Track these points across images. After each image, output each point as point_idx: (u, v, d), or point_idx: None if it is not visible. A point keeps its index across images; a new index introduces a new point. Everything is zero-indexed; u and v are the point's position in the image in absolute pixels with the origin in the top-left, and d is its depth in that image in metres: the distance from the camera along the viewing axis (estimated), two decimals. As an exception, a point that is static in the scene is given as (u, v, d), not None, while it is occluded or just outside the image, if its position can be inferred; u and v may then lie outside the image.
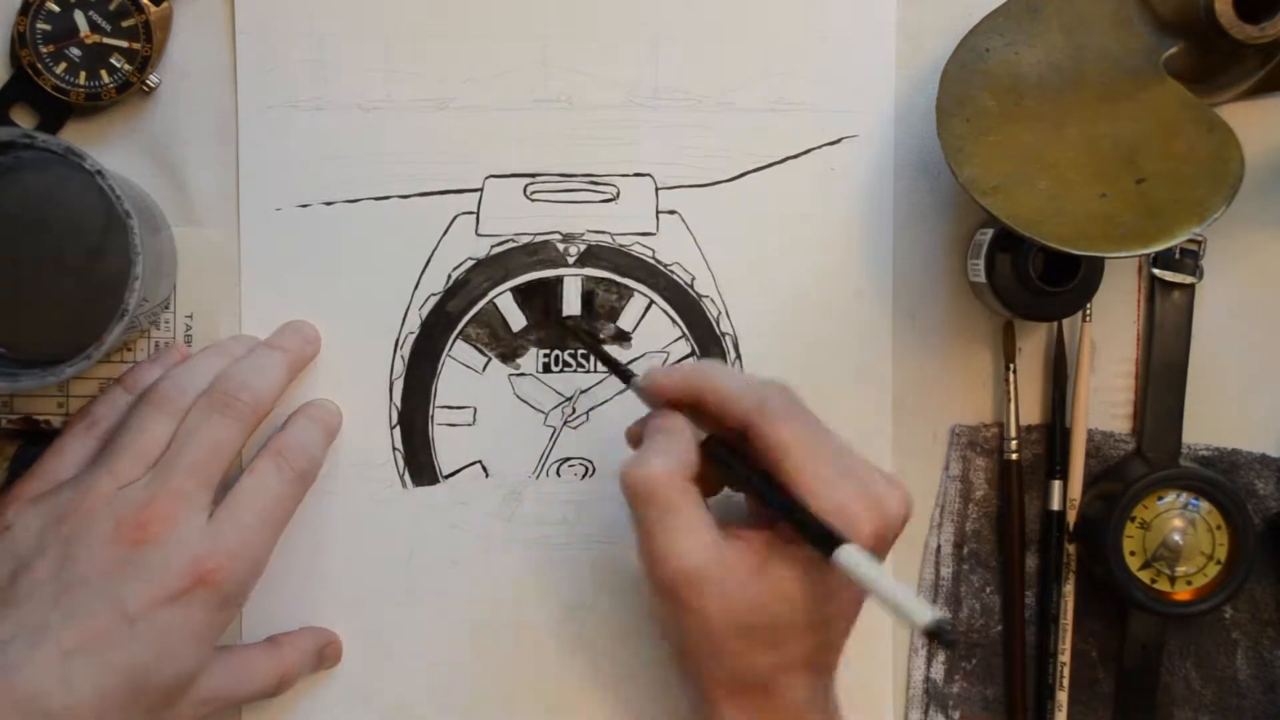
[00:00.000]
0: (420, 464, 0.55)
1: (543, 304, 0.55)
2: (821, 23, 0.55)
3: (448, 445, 0.55)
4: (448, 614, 0.55)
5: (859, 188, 0.56)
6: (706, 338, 0.56)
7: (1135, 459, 0.56)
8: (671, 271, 0.56)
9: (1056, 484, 0.56)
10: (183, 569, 0.45)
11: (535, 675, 0.55)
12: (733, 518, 0.47)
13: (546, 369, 0.55)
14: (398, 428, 0.55)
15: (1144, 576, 0.54)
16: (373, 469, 0.55)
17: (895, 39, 0.56)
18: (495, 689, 0.55)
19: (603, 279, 0.56)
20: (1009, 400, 0.55)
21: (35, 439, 0.54)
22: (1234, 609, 0.57)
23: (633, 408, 0.55)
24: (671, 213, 0.55)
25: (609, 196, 0.55)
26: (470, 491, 0.55)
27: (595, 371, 0.56)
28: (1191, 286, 0.56)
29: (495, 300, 0.55)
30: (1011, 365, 0.55)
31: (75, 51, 0.52)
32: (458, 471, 0.55)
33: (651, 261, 0.56)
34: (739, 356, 0.56)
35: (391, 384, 0.55)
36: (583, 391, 0.55)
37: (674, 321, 0.56)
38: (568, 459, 0.56)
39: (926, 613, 0.39)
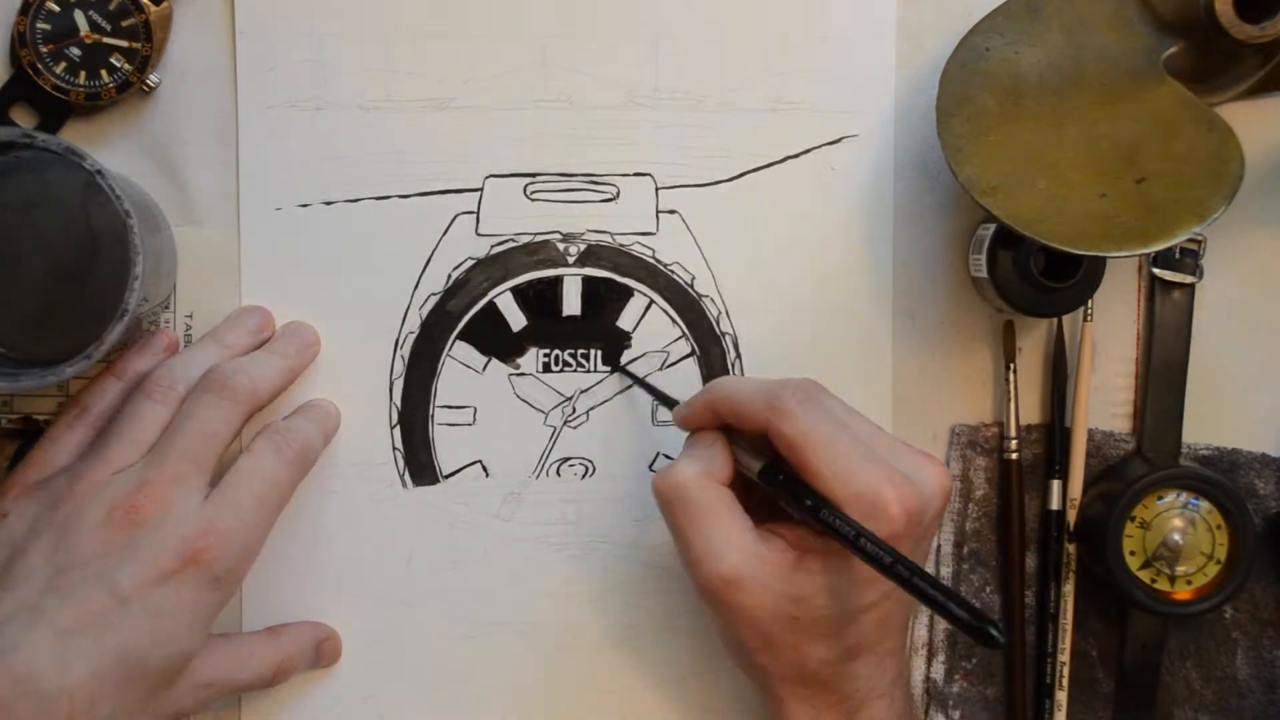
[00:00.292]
0: (420, 464, 0.55)
1: (542, 304, 0.55)
2: (821, 23, 0.55)
3: (448, 445, 0.55)
4: (448, 614, 0.55)
5: (859, 187, 0.56)
6: (706, 338, 0.56)
7: (1135, 459, 0.56)
8: (671, 271, 0.56)
9: (1056, 484, 0.56)
10: (175, 549, 0.46)
11: (535, 675, 0.55)
12: (768, 517, 0.47)
13: (546, 369, 0.55)
14: (398, 428, 0.55)
15: (1144, 576, 0.54)
16: (373, 469, 0.55)
17: (895, 39, 0.56)
18: (495, 689, 0.55)
19: (603, 279, 0.56)
20: (1009, 400, 0.55)
21: (35, 439, 0.53)
22: (1234, 609, 0.57)
23: (633, 408, 0.56)
24: (671, 212, 0.55)
25: (609, 196, 0.55)
26: (470, 491, 0.55)
27: (595, 371, 0.56)
28: (1191, 286, 0.56)
29: (495, 300, 0.55)
30: (1011, 365, 0.55)
31: (75, 51, 0.52)
32: (458, 471, 0.55)
33: (651, 261, 0.56)
34: (739, 356, 0.56)
35: (391, 384, 0.55)
36: (583, 391, 0.55)
37: (674, 321, 0.56)
38: (568, 459, 0.56)
39: (978, 616, 0.39)
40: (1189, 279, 0.56)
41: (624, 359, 0.55)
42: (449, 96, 0.55)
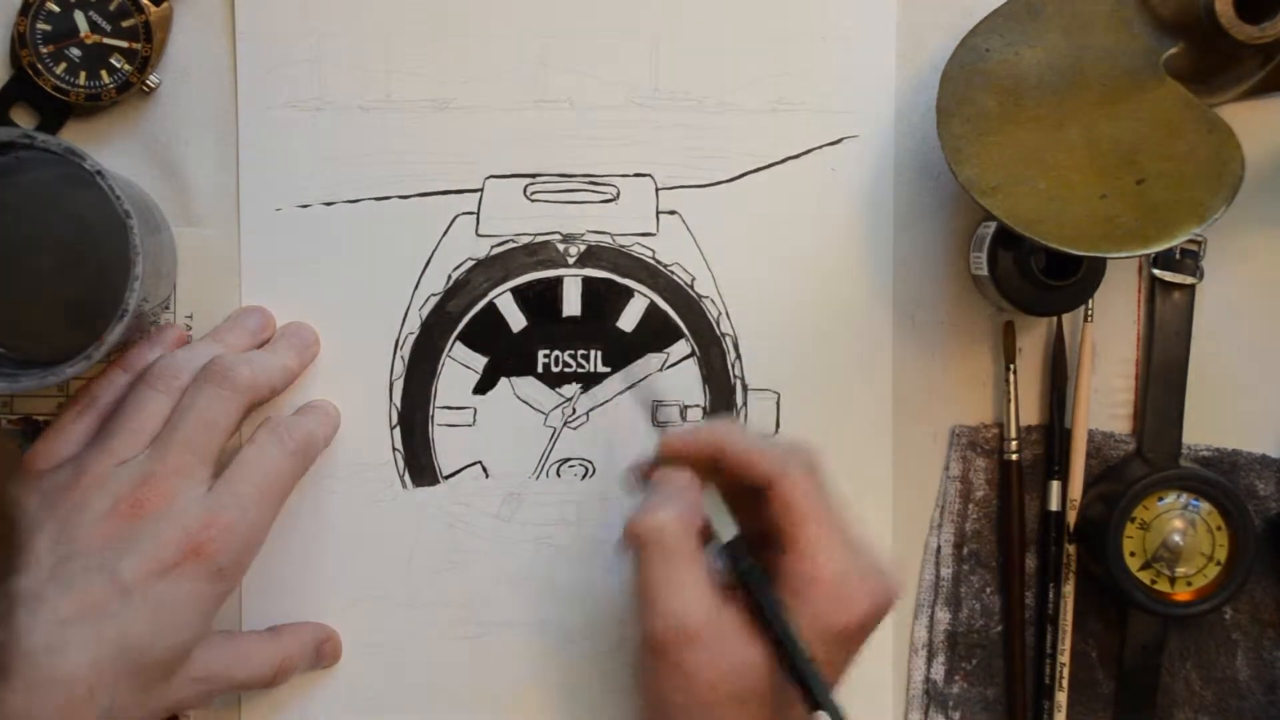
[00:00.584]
0: (420, 464, 0.55)
1: (543, 305, 0.55)
2: (822, 23, 0.55)
3: (448, 445, 0.55)
4: (448, 614, 0.55)
5: (859, 188, 0.56)
6: (707, 338, 0.56)
7: (1135, 459, 0.56)
8: (672, 272, 0.55)
9: (1056, 484, 0.56)
10: (177, 540, 0.46)
11: (535, 676, 0.55)
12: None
13: (546, 369, 0.55)
14: (398, 428, 0.55)
15: (1144, 577, 0.54)
16: (373, 469, 0.55)
17: (895, 39, 0.56)
18: (495, 689, 0.55)
19: (603, 279, 0.55)
20: (1009, 401, 0.55)
21: (35, 439, 0.53)
22: (1234, 610, 0.57)
23: (633, 409, 0.55)
24: (672, 213, 0.55)
25: (609, 197, 0.55)
26: (470, 492, 0.55)
27: (595, 372, 0.56)
28: (1192, 287, 0.56)
29: (495, 301, 0.55)
30: (1011, 365, 0.55)
31: (75, 51, 0.52)
32: (458, 472, 0.55)
33: (652, 262, 0.55)
34: (739, 357, 0.56)
35: (391, 384, 0.55)
36: (583, 392, 0.55)
37: (674, 322, 0.56)
38: (568, 459, 0.56)
39: None
40: (1189, 280, 0.56)
41: (628, 366, 0.55)
42: (449, 96, 0.55)
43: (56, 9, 0.52)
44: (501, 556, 0.55)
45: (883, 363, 0.56)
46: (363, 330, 0.55)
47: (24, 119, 0.53)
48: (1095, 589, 0.56)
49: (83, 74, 0.52)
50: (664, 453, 0.48)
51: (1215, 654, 0.57)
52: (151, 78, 0.53)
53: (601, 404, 0.56)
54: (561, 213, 0.55)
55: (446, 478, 0.55)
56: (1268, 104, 0.55)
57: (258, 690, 0.53)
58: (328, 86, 0.54)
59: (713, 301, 0.56)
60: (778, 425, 0.56)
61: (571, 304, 0.56)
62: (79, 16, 0.52)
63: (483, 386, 0.55)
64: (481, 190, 0.55)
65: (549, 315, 0.55)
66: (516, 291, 0.55)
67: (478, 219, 0.55)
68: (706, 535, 0.47)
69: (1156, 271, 0.56)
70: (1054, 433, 0.56)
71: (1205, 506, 0.54)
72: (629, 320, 0.56)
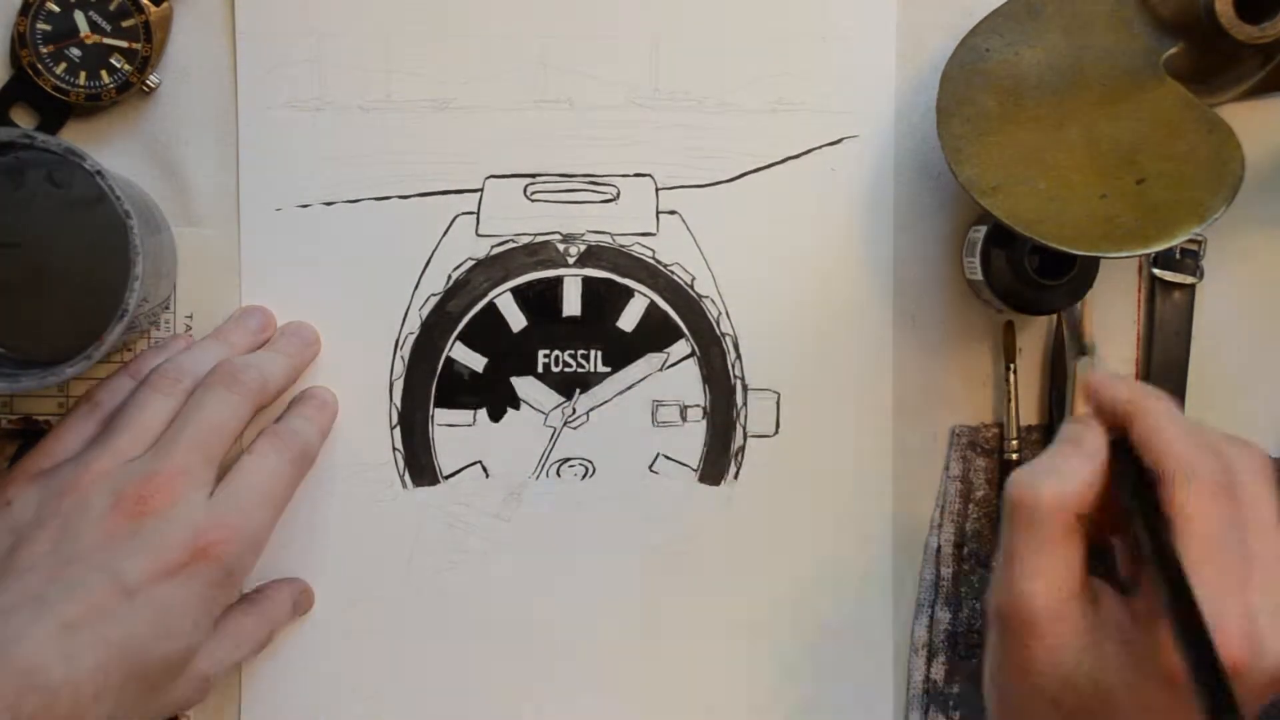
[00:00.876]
0: (420, 464, 0.55)
1: (543, 305, 0.55)
2: (822, 23, 0.55)
3: (448, 445, 0.55)
4: (448, 614, 0.55)
5: (859, 188, 0.56)
6: (707, 338, 0.56)
7: (1135, 459, 0.56)
8: (672, 272, 0.56)
9: (1056, 484, 0.56)
10: (182, 542, 0.45)
11: (535, 676, 0.55)
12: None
13: (546, 369, 0.55)
14: (398, 428, 0.55)
15: (1144, 577, 0.54)
16: (373, 469, 0.55)
17: (895, 40, 0.56)
18: (495, 690, 0.55)
19: (603, 279, 0.55)
20: (1009, 400, 0.55)
21: (35, 439, 0.53)
22: (1234, 609, 0.56)
23: (632, 408, 0.55)
24: (672, 213, 0.55)
25: (609, 197, 0.55)
26: (470, 492, 0.55)
27: (595, 372, 0.56)
28: (1192, 287, 0.56)
29: (495, 301, 0.55)
30: (1011, 365, 0.55)
31: (75, 51, 0.52)
32: (458, 472, 0.55)
33: (652, 262, 0.55)
34: (739, 357, 0.56)
35: (391, 384, 0.55)
36: (583, 392, 0.55)
37: (674, 322, 0.56)
38: (568, 459, 0.56)
39: None
40: (1189, 280, 0.56)
41: (628, 366, 0.55)
42: (449, 96, 0.55)
43: (56, 9, 0.52)
44: (501, 556, 0.55)
45: (883, 363, 0.56)
46: (363, 330, 0.55)
47: (24, 119, 0.53)
48: (1095, 589, 0.56)
49: (83, 74, 0.52)
50: (1088, 388, 0.43)
51: (1215, 654, 0.57)
52: (151, 78, 0.53)
53: (601, 404, 0.56)
54: (561, 213, 0.55)
55: (446, 478, 0.55)
56: (1268, 104, 0.55)
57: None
58: (328, 86, 0.54)
59: (713, 301, 0.56)
60: (777, 426, 0.56)
61: (571, 304, 0.56)
62: (79, 16, 0.52)
63: (483, 387, 0.55)
64: (481, 190, 0.55)
65: (549, 315, 0.55)
66: (516, 291, 0.55)
67: (478, 219, 0.55)
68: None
69: (1156, 271, 0.56)
70: (1054, 433, 0.56)
71: (1205, 506, 0.54)
72: (629, 320, 0.56)
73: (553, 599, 0.55)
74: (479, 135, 0.55)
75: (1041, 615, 0.40)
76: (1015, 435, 0.55)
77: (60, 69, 0.52)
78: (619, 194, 0.55)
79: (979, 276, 0.53)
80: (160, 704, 0.46)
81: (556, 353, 0.56)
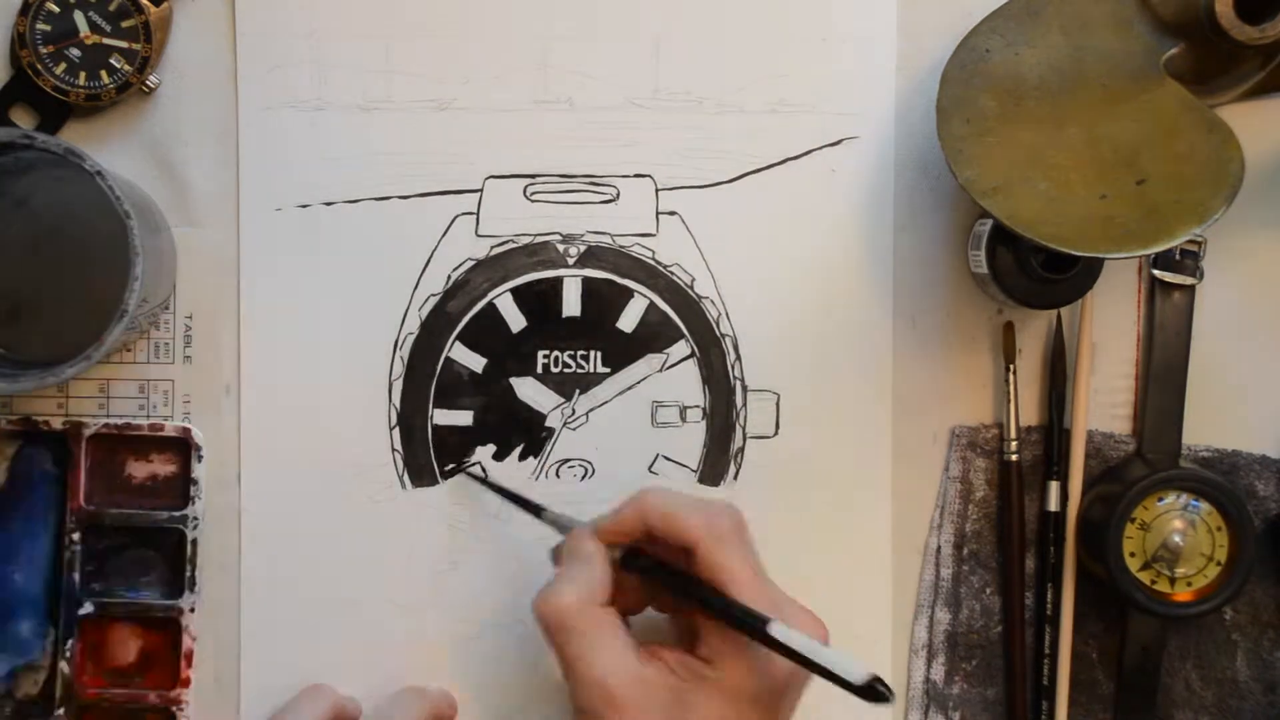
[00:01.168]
0: (419, 465, 0.55)
1: (542, 305, 0.55)
2: (822, 24, 0.55)
3: (447, 446, 0.55)
4: (448, 614, 0.55)
5: (859, 189, 0.56)
6: (706, 339, 0.56)
7: (1135, 460, 0.56)
8: (671, 272, 0.56)
9: (1055, 485, 0.56)
10: None
11: (535, 675, 0.55)
12: (652, 638, 0.48)
13: (546, 370, 0.55)
14: (397, 428, 0.55)
15: (1144, 578, 0.54)
16: (372, 470, 0.55)
17: (895, 40, 0.56)
18: (495, 689, 0.55)
19: (603, 280, 0.55)
20: (1009, 401, 0.55)
21: (35, 439, 0.54)
22: (1234, 610, 0.57)
23: (632, 408, 0.56)
24: (672, 214, 0.55)
25: (609, 197, 0.55)
26: (470, 493, 0.55)
27: (595, 372, 0.56)
28: (1192, 287, 0.56)
29: (495, 301, 0.55)
30: (1011, 366, 0.55)
31: (75, 52, 0.52)
32: (457, 472, 0.55)
33: (651, 262, 0.55)
34: (739, 358, 0.56)
35: (391, 384, 0.55)
36: (582, 393, 0.55)
37: (674, 322, 0.56)
38: (567, 460, 0.56)
39: (860, 672, 0.41)
40: (1189, 280, 0.56)
41: (621, 364, 0.55)
42: (449, 97, 0.55)
43: (56, 9, 0.52)
44: (501, 557, 0.55)
45: (883, 363, 0.56)
46: (362, 330, 0.55)
47: (24, 119, 0.53)
48: (1095, 589, 0.56)
49: (83, 74, 0.53)
50: (604, 539, 0.49)
51: (1215, 654, 0.57)
52: (151, 78, 0.53)
53: (601, 404, 0.56)
54: (561, 213, 0.55)
55: (446, 478, 0.55)
56: (1268, 104, 0.55)
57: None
58: (328, 86, 0.54)
59: (712, 302, 0.56)
60: (777, 426, 0.56)
61: (571, 304, 0.56)
62: (79, 17, 0.52)
63: (482, 387, 0.55)
64: (481, 190, 0.55)
65: (549, 315, 0.55)
66: (516, 292, 0.55)
67: (477, 219, 0.55)
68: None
69: (1156, 272, 0.56)
70: (1054, 433, 0.56)
71: (1205, 507, 0.54)
72: (629, 321, 0.56)
73: (552, 599, 0.55)
74: (479, 135, 0.55)
75: (619, 687, 0.45)
76: (1015, 436, 0.55)
77: (60, 69, 0.52)
78: (619, 194, 0.55)
79: (984, 270, 0.53)
80: None
81: (556, 353, 0.56)
